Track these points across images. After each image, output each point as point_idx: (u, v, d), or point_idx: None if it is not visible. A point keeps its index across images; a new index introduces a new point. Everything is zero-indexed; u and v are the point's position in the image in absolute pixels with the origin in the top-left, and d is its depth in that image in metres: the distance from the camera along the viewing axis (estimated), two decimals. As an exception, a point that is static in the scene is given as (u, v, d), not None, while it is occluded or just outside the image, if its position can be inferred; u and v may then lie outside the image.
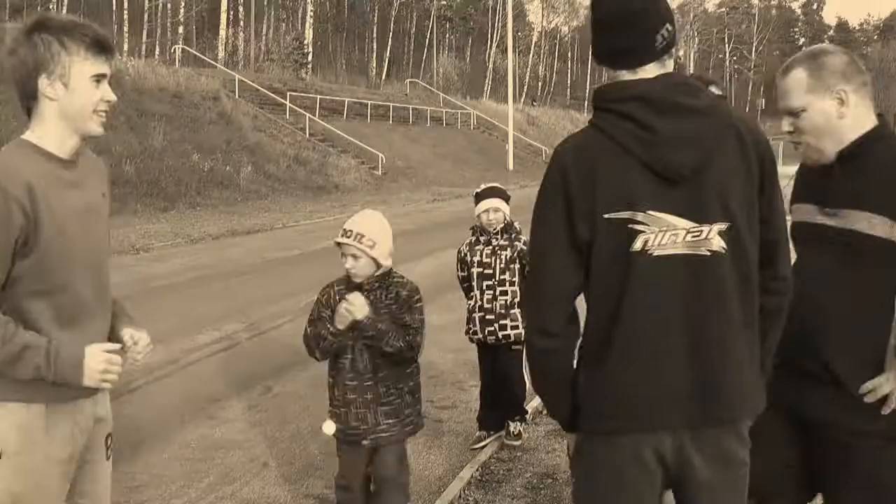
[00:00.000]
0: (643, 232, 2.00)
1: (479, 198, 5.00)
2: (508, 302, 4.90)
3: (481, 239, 4.99)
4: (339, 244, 3.45)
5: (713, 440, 2.09)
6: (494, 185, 5.11)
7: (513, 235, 4.97)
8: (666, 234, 2.00)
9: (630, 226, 2.00)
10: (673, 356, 2.03)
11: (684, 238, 2.01)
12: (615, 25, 2.07)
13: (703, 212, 2.02)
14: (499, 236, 4.95)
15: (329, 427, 3.59)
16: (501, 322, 4.90)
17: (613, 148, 2.01)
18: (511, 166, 37.32)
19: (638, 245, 2.00)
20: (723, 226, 2.02)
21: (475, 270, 4.97)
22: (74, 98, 2.22)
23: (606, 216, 2.00)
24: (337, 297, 3.48)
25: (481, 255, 4.95)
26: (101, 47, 2.22)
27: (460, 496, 4.38)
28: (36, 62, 2.19)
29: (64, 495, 2.35)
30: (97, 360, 2.22)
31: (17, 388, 2.22)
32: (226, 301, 9.46)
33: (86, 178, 2.37)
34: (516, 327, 4.87)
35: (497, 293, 4.91)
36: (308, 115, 29.57)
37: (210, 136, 24.26)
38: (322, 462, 4.86)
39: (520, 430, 5.14)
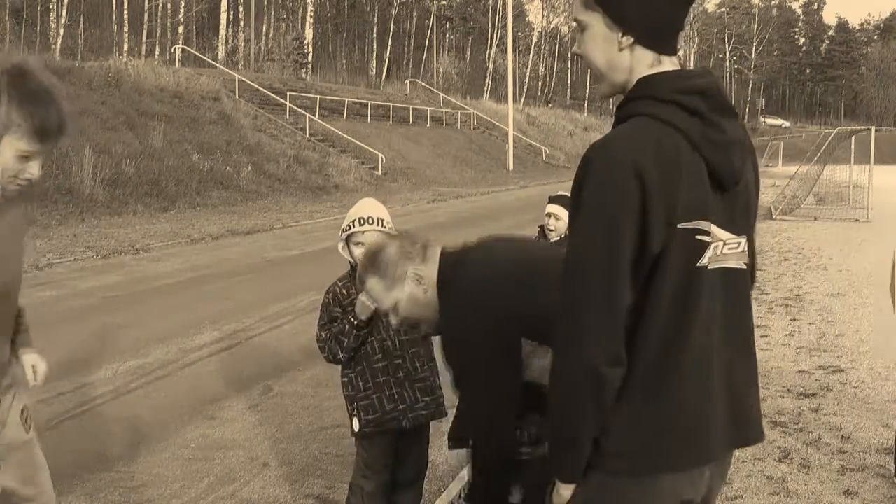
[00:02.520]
0: (709, 244, 1.77)
1: (548, 201, 5.23)
2: None
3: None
4: (351, 235, 3.30)
5: (727, 461, 1.96)
6: (566, 193, 5.31)
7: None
8: (721, 244, 1.80)
9: (698, 237, 1.75)
10: (720, 377, 1.83)
11: (730, 249, 1.82)
12: None
13: (737, 223, 1.84)
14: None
15: (356, 424, 3.40)
16: None
17: (688, 147, 1.73)
18: (511, 166, 37.38)
19: (705, 259, 1.76)
20: (744, 239, 1.87)
21: None
22: None
23: (681, 226, 1.72)
24: (345, 292, 3.37)
25: None
26: (43, 135, 2.19)
27: (460, 496, 4.38)
28: None
29: None
30: None
31: None
32: (226, 301, 9.45)
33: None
34: None
35: None
36: (308, 115, 29.57)
37: (210, 136, 24.25)
38: (322, 462, 4.86)
39: None
